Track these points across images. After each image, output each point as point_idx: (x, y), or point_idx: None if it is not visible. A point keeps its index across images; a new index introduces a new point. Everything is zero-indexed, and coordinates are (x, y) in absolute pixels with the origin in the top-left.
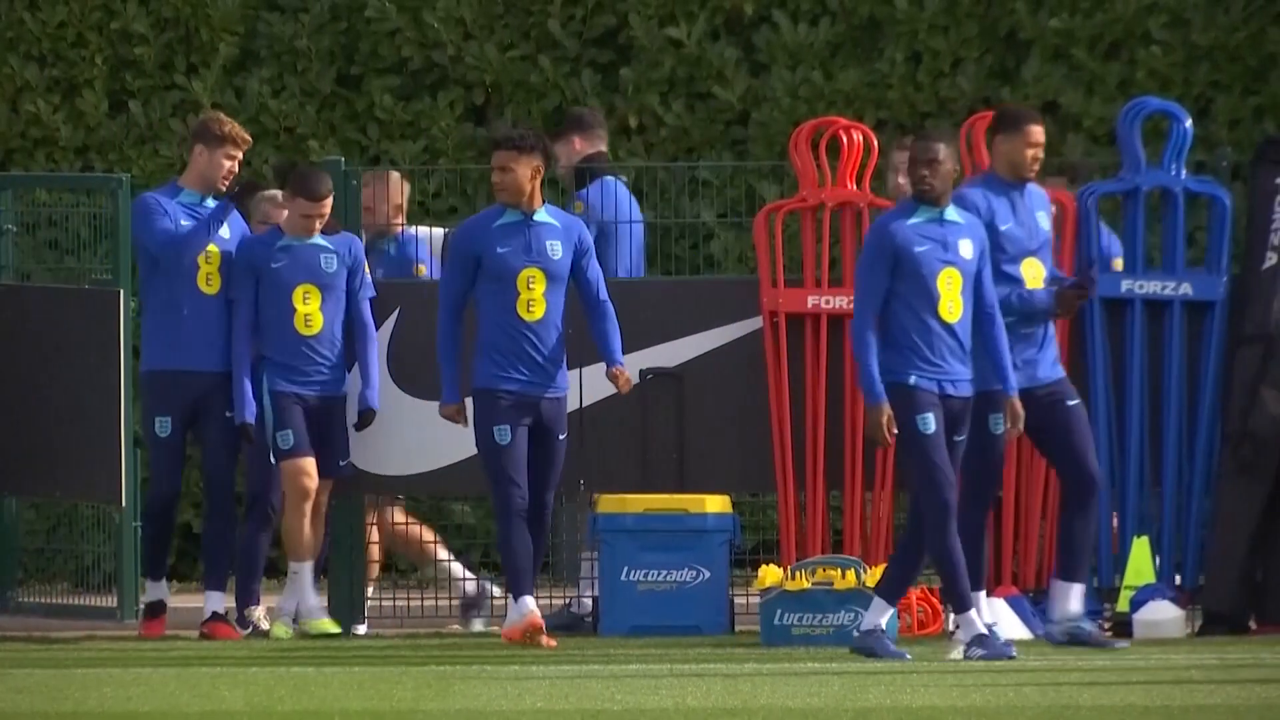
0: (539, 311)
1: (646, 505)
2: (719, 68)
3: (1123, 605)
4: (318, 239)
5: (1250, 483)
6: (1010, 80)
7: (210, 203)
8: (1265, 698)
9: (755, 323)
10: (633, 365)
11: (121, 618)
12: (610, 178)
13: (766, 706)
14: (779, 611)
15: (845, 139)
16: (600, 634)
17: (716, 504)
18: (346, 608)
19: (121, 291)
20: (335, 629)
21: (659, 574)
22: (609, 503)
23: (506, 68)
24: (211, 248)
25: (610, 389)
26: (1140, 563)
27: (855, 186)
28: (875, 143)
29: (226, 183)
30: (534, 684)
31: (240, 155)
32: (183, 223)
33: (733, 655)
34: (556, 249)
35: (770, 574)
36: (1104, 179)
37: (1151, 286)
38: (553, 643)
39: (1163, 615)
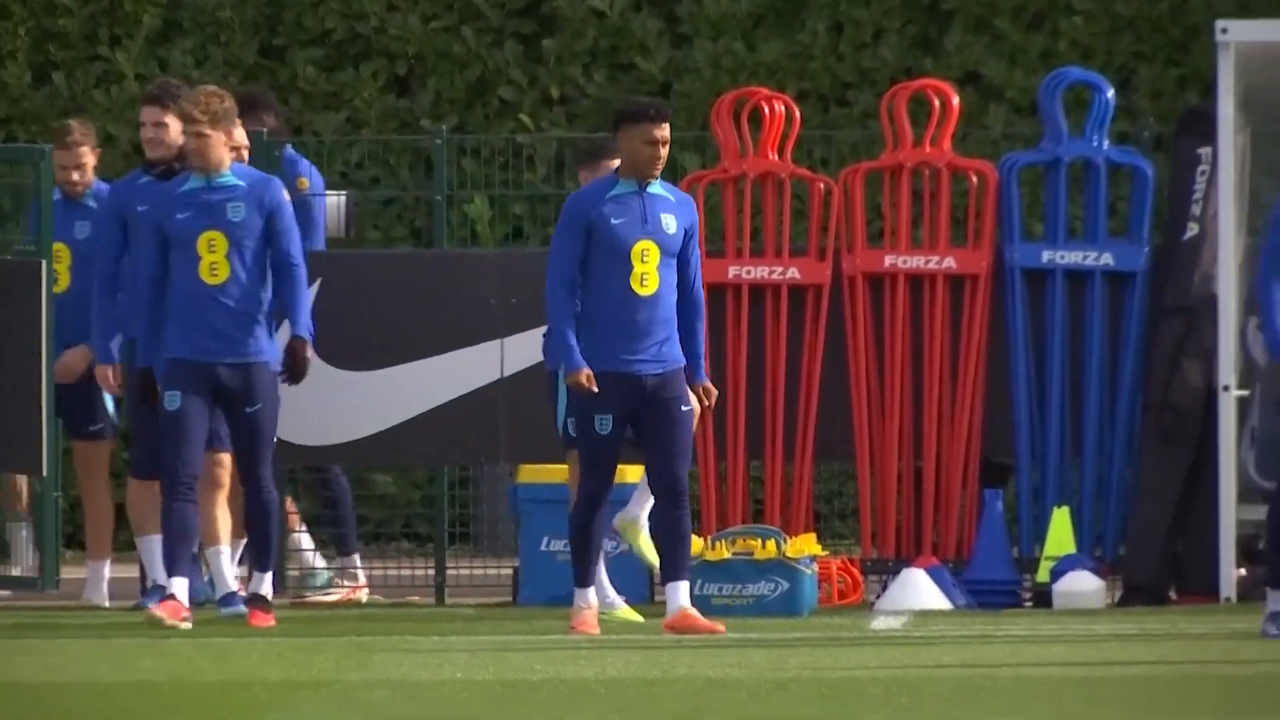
0: (652, 286)
1: (567, 476)
2: (641, 39)
3: (1043, 576)
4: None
5: (1171, 454)
6: (933, 51)
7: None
8: (1183, 668)
9: None
10: None
11: (42, 587)
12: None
13: (686, 677)
14: (699, 581)
15: (767, 110)
16: (520, 604)
17: (636, 474)
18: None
19: (44, 263)
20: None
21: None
22: (529, 473)
23: (429, 39)
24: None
25: (536, 357)
26: (1061, 533)
27: (777, 157)
28: (797, 113)
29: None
30: (454, 655)
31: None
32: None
33: (653, 625)
34: (671, 223)
35: (692, 544)
36: (1026, 149)
37: (1073, 257)
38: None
39: (1083, 586)
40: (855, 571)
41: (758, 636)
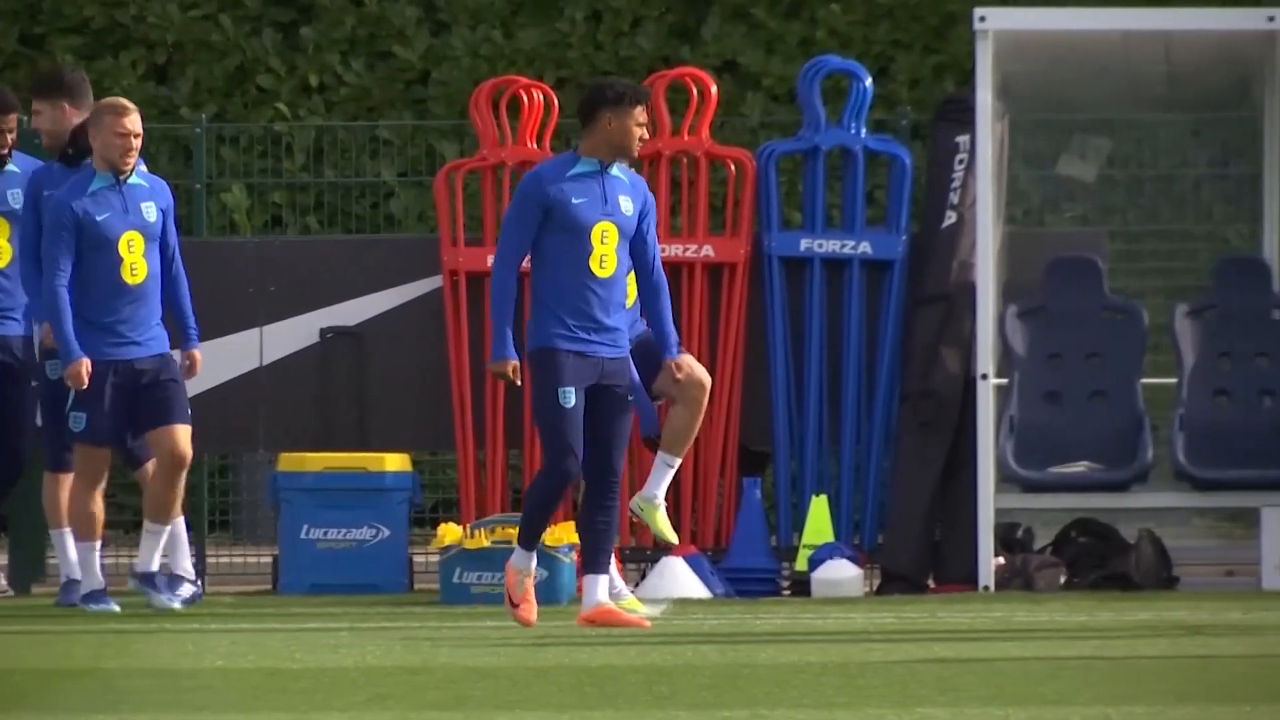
0: (611, 267)
1: (326, 463)
2: (400, 26)
3: (801, 564)
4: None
5: (929, 442)
6: (691, 39)
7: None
8: (942, 656)
9: (435, 281)
10: (314, 324)
11: None
12: None
13: (446, 665)
14: (458, 570)
15: (525, 98)
16: (280, 592)
17: (396, 462)
18: (26, 568)
19: None
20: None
21: (338, 532)
22: (289, 461)
23: (188, 27)
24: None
25: (295, 345)
26: (819, 521)
27: (535, 146)
28: (556, 102)
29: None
30: (214, 643)
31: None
32: None
33: (412, 614)
34: (628, 205)
35: (449, 532)
36: (784, 138)
37: (831, 245)
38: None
39: (841, 574)
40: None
41: (517, 625)
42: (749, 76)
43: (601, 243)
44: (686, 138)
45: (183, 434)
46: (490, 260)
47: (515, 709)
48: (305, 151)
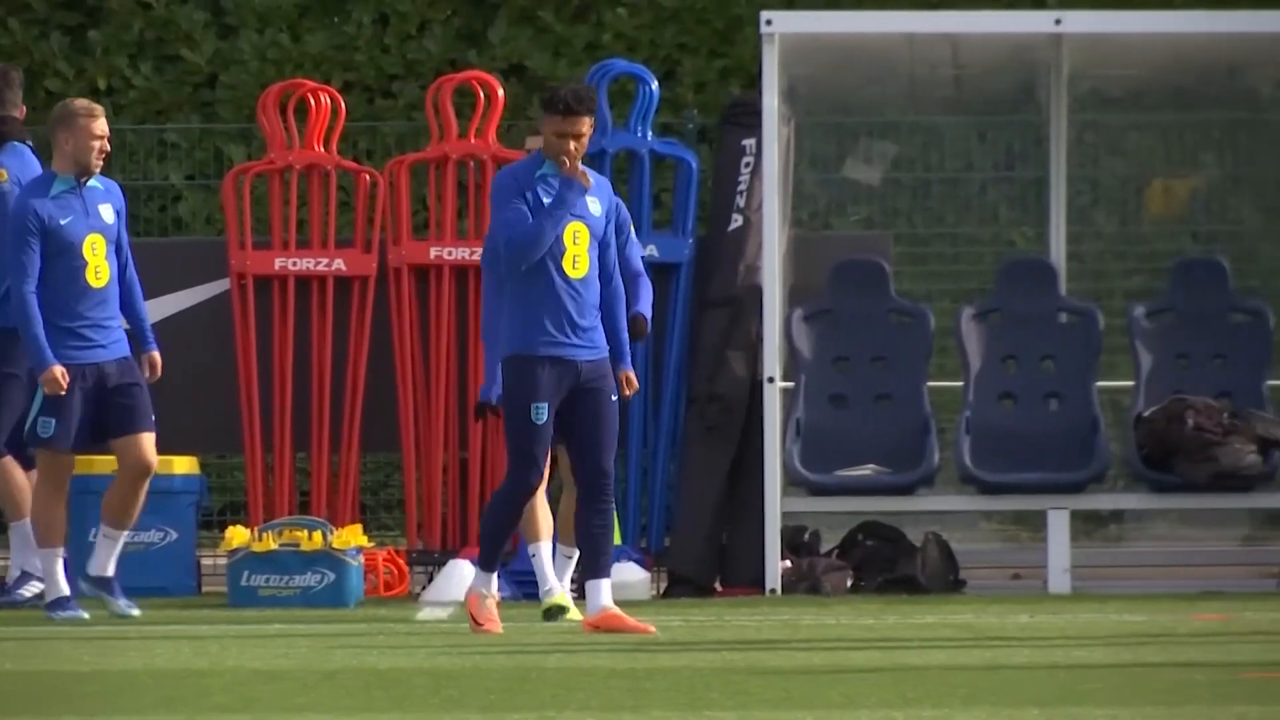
0: (584, 268)
1: (114, 466)
2: (188, 30)
3: None
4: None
5: (716, 446)
6: (478, 43)
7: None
8: (729, 660)
9: (223, 284)
10: None
11: None
12: (19, 142)
13: (235, 668)
14: (246, 573)
15: (313, 102)
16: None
17: (184, 465)
18: None
19: None
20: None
21: (126, 535)
22: (80, 463)
23: None
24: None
25: None
26: None
27: (323, 149)
28: (343, 105)
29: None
30: (2, 646)
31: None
32: None
33: (200, 616)
34: (595, 206)
35: (237, 535)
36: None
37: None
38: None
39: (628, 577)
40: (401, 562)
41: (304, 628)
42: (536, 80)
43: (574, 243)
44: (474, 141)
45: (149, 442)
46: (279, 263)
47: (303, 712)
48: None
